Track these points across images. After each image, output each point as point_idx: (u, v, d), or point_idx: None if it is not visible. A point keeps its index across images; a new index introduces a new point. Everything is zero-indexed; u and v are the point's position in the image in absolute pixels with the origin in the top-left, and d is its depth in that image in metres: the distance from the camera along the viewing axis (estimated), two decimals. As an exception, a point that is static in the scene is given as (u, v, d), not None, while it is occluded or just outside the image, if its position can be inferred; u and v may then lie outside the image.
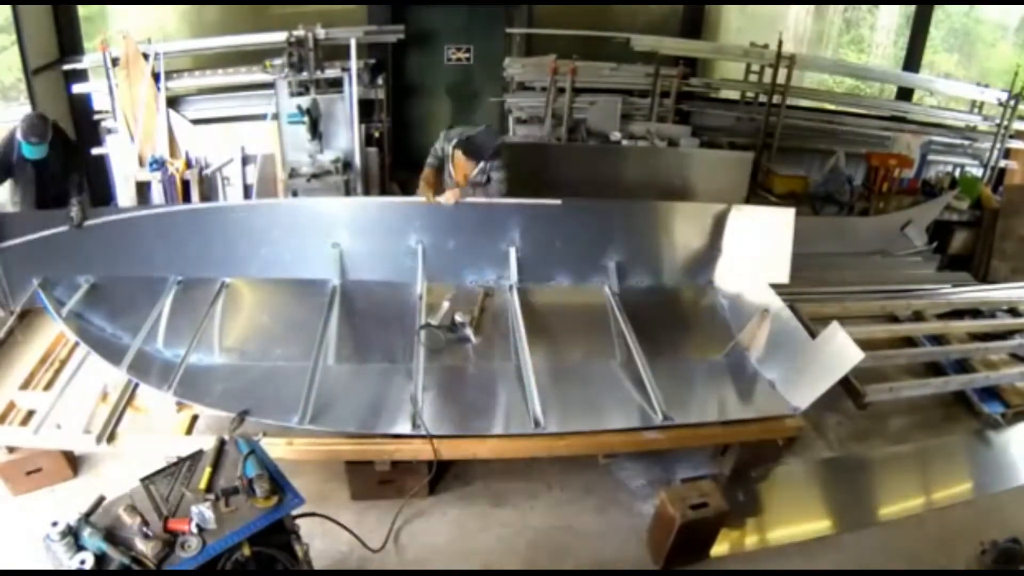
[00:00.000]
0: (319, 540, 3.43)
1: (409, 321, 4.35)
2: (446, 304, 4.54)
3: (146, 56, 6.21)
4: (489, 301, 4.63)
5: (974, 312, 5.61)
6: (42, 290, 4.12)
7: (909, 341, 5.24)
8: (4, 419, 3.77)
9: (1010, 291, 5.96)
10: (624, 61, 7.50)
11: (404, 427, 3.67)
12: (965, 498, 4.19)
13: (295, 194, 5.86)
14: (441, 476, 4.02)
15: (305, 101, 5.86)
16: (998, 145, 7.47)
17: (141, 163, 6.07)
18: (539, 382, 3.95)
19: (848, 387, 4.41)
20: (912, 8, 8.23)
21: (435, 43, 7.80)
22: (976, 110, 8.09)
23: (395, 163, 7.51)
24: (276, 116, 6.19)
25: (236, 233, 4.64)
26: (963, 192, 6.97)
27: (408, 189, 7.34)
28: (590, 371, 4.30)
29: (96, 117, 6.61)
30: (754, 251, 4.88)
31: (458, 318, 4.39)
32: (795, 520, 4.01)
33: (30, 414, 3.82)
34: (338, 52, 6.34)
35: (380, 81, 6.94)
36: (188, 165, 6.11)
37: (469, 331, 4.38)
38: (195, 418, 3.92)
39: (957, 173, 7.59)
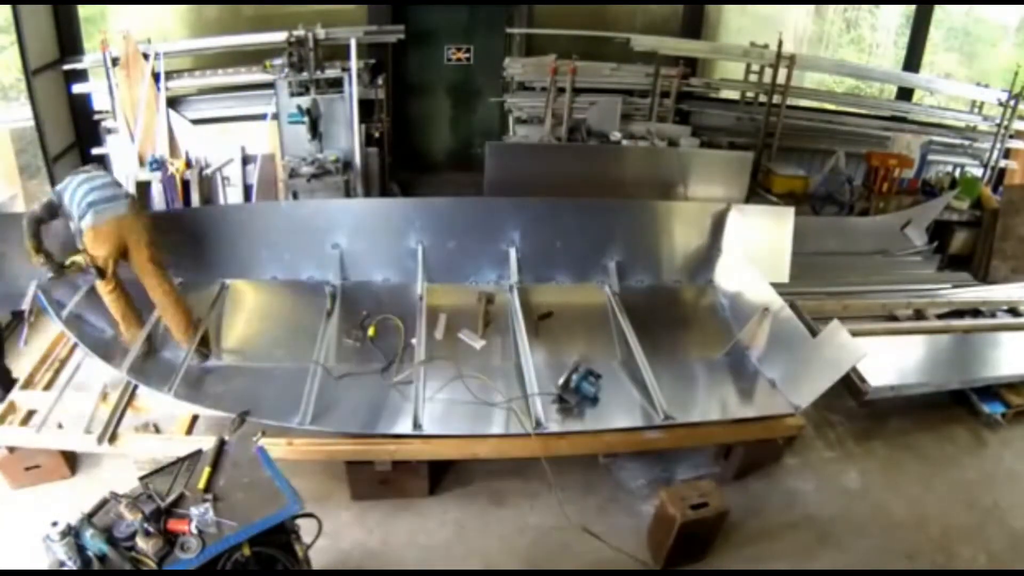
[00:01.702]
0: (319, 539, 3.43)
1: (410, 321, 4.35)
2: (443, 316, 4.53)
3: (146, 56, 6.21)
4: (491, 307, 4.61)
5: (974, 312, 5.61)
6: (42, 292, 4.11)
7: (909, 341, 5.24)
8: (4, 419, 3.76)
9: (1010, 291, 5.96)
10: (624, 61, 7.49)
11: (404, 427, 3.67)
12: (965, 498, 4.18)
13: (295, 194, 5.86)
14: (441, 476, 4.02)
15: (305, 101, 5.86)
16: (998, 145, 7.47)
17: (141, 163, 6.07)
18: (539, 381, 3.95)
19: (849, 385, 4.41)
20: (912, 8, 8.23)
21: (435, 43, 7.79)
22: (976, 110, 8.08)
23: (395, 163, 7.52)
24: (276, 116, 6.20)
25: (236, 234, 4.65)
26: (963, 192, 6.97)
27: (409, 189, 7.38)
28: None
29: (96, 117, 6.60)
30: (754, 251, 4.88)
31: (463, 337, 4.43)
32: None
33: (30, 414, 3.82)
34: (338, 52, 6.34)
35: (380, 81, 6.93)
36: (188, 165, 6.11)
37: (475, 342, 4.40)
38: (195, 418, 3.92)
39: (957, 173, 7.58)
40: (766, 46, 7.60)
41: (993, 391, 4.85)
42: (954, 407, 4.89)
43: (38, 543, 2.30)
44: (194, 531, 2.40)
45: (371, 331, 4.34)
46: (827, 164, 7.13)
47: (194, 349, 4.05)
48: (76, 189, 3.86)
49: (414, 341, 4.19)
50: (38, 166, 6.05)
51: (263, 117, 6.45)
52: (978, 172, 7.64)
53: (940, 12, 8.36)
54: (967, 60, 9.17)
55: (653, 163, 6.61)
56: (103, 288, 3.90)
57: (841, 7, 9.00)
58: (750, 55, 7.78)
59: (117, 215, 3.78)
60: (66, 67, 6.28)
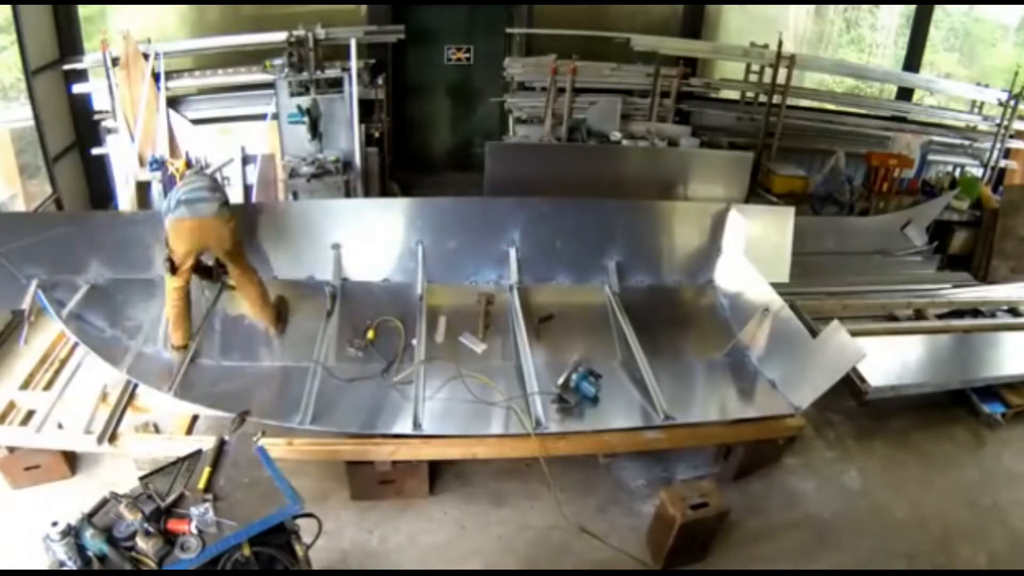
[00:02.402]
0: (319, 539, 3.43)
1: (410, 321, 4.35)
2: (443, 319, 4.52)
3: (146, 56, 6.21)
4: (491, 308, 4.61)
5: (974, 312, 5.61)
6: (42, 291, 4.11)
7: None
8: (4, 419, 3.76)
9: (1010, 291, 5.96)
10: (624, 61, 7.50)
11: (404, 427, 3.67)
12: (965, 498, 4.18)
13: (295, 194, 5.86)
14: (441, 476, 4.02)
15: (305, 101, 5.86)
16: (998, 145, 7.47)
17: (141, 163, 6.06)
18: (540, 382, 3.95)
19: (850, 385, 4.41)
20: (912, 8, 8.23)
21: (435, 43, 7.79)
22: (976, 110, 8.09)
23: (395, 163, 7.52)
24: (276, 116, 6.20)
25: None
26: (963, 192, 6.97)
27: (409, 189, 7.38)
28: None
29: (96, 117, 6.60)
30: (754, 251, 4.87)
31: (464, 340, 4.41)
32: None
33: (30, 414, 3.82)
34: (338, 52, 6.34)
35: (380, 81, 6.94)
36: (188, 165, 6.09)
37: (476, 346, 4.40)
38: (195, 418, 3.92)
39: (957, 173, 7.58)
40: (766, 46, 7.61)
41: (993, 391, 4.85)
42: (954, 407, 4.89)
43: (38, 543, 2.30)
44: (194, 531, 2.40)
45: (371, 333, 4.35)
46: (827, 164, 7.12)
47: (273, 324, 4.30)
48: (177, 190, 3.94)
49: (414, 341, 4.19)
50: (38, 166, 6.05)
51: (263, 117, 6.45)
52: (978, 172, 7.65)
53: (940, 12, 8.37)
54: (967, 60, 9.18)
55: (653, 163, 6.62)
56: (170, 283, 3.91)
57: (841, 7, 9.00)
58: (750, 55, 7.79)
59: (202, 215, 3.81)
60: (66, 67, 6.27)
